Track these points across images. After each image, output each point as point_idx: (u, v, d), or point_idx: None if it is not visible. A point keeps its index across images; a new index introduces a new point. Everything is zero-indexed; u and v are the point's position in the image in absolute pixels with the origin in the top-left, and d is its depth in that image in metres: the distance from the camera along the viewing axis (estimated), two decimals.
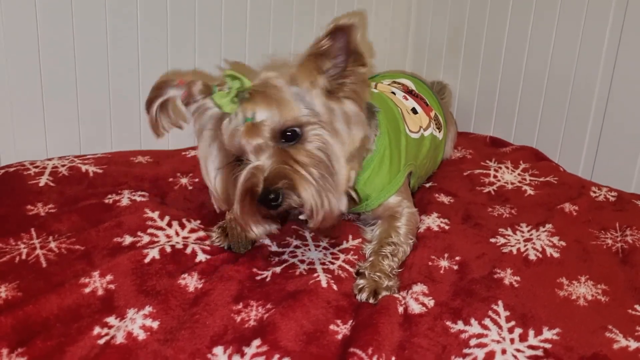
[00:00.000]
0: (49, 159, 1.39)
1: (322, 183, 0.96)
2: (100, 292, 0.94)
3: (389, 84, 1.49)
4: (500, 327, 0.93)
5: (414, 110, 1.39)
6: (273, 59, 1.00)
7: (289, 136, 0.97)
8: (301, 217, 0.99)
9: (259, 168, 0.96)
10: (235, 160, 1.00)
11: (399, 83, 1.51)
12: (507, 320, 0.94)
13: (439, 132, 1.46)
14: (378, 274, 1.03)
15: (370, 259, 1.08)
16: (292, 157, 0.96)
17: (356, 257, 1.12)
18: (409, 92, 1.47)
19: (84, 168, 1.35)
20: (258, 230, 1.01)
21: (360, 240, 1.18)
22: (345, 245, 1.16)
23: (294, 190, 0.94)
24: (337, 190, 0.98)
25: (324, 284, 1.00)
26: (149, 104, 1.03)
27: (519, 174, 1.53)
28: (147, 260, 1.02)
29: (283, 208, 0.95)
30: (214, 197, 1.06)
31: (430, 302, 0.98)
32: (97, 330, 0.87)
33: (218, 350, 0.85)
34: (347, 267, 1.08)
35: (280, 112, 0.96)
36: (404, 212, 1.19)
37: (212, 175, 1.03)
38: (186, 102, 1.01)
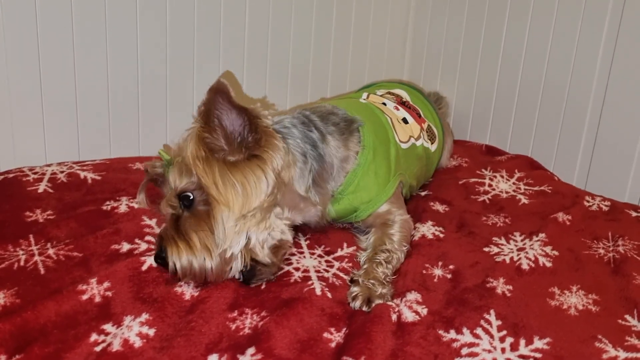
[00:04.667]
0: (48, 165, 1.40)
1: (199, 247, 0.99)
2: (97, 299, 0.95)
3: (381, 95, 1.50)
4: (491, 336, 0.94)
5: (405, 120, 1.40)
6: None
7: (185, 202, 1.03)
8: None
9: (163, 233, 1.04)
10: None
11: (392, 94, 1.53)
12: (499, 329, 0.96)
13: (431, 143, 1.47)
14: (372, 281, 1.04)
15: (365, 266, 1.10)
16: (179, 224, 1.02)
17: (350, 264, 1.14)
18: (402, 103, 1.48)
19: (82, 174, 1.37)
20: None
21: (354, 248, 1.19)
22: (339, 252, 1.17)
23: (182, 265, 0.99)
24: (215, 253, 0.99)
25: (318, 291, 1.01)
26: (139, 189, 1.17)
27: (513, 183, 1.54)
28: (144, 267, 1.04)
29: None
30: None
31: (424, 311, 0.99)
32: (94, 337, 0.88)
33: (213, 358, 0.86)
34: (341, 274, 1.10)
35: (179, 180, 1.03)
36: (396, 220, 1.21)
37: None
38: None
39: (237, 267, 1.02)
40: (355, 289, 1.03)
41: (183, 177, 1.02)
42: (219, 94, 0.97)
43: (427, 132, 1.47)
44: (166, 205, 1.05)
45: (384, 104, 1.43)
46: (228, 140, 1.01)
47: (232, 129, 1.00)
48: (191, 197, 1.02)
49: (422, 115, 1.49)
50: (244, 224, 1.00)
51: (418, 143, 1.40)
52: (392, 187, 1.25)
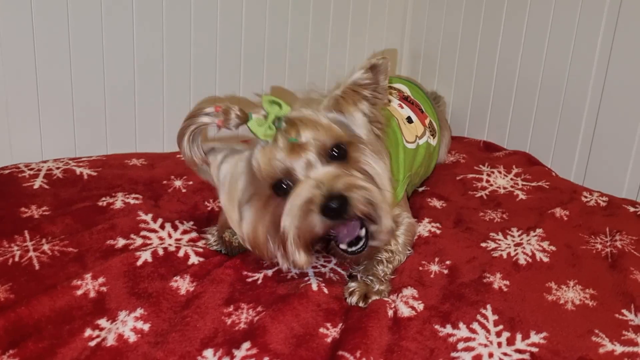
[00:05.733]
0: (44, 162, 1.40)
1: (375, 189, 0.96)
2: (92, 294, 0.95)
3: None
4: (488, 330, 0.94)
5: (409, 119, 1.40)
6: (306, 92, 1.04)
7: (335, 155, 0.96)
8: (341, 246, 0.95)
9: (318, 178, 0.92)
10: (270, 191, 0.97)
11: (394, 89, 1.52)
12: (495, 324, 0.95)
13: (433, 138, 1.47)
14: (370, 277, 1.03)
15: (365, 262, 1.09)
16: (347, 171, 0.95)
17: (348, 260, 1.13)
18: (404, 98, 1.47)
19: (78, 171, 1.36)
20: (304, 258, 0.95)
21: None
22: None
23: (362, 200, 0.91)
24: (389, 207, 0.97)
25: (314, 287, 1.01)
26: (182, 133, 0.96)
27: (511, 179, 1.54)
28: (139, 262, 1.03)
29: (352, 215, 0.91)
30: (247, 242, 1.02)
31: (420, 306, 0.99)
32: (88, 332, 0.87)
33: (208, 352, 0.85)
34: (338, 270, 1.09)
35: (324, 132, 0.95)
36: (403, 222, 1.20)
37: (238, 217, 1.01)
38: (222, 128, 0.96)
39: None
40: (352, 285, 1.02)
41: (334, 127, 0.97)
42: (384, 70, 1.01)
43: (429, 127, 1.46)
44: (308, 151, 0.94)
45: (388, 100, 1.42)
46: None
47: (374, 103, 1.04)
48: (344, 147, 0.98)
49: (424, 110, 1.49)
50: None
51: (422, 142, 1.39)
52: (401, 190, 1.24)
